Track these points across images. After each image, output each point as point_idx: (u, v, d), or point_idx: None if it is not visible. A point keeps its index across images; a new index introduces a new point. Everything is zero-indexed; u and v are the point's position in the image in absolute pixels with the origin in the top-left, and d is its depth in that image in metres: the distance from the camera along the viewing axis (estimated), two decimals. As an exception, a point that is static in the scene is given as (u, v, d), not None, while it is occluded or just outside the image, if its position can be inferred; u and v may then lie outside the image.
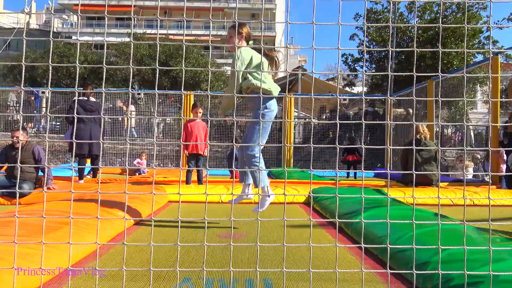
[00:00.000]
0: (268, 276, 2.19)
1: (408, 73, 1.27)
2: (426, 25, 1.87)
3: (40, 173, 5.48)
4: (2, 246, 2.02)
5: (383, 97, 13.04)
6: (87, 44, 30.36)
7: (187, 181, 6.36)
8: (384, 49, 1.35)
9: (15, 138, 5.14)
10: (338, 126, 1.54)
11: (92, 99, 7.06)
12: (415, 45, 1.32)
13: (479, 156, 10.49)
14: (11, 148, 5.33)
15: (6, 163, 5.16)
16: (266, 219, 1.30)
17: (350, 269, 2.39)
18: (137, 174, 9.36)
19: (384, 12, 19.53)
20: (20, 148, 4.99)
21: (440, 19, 1.48)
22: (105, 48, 1.83)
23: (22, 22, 45.85)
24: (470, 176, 8.33)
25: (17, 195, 1.37)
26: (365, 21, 1.23)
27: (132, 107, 13.56)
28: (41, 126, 14.76)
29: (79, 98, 6.81)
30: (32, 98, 13.64)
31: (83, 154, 6.83)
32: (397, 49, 1.21)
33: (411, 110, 11.46)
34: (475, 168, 9.81)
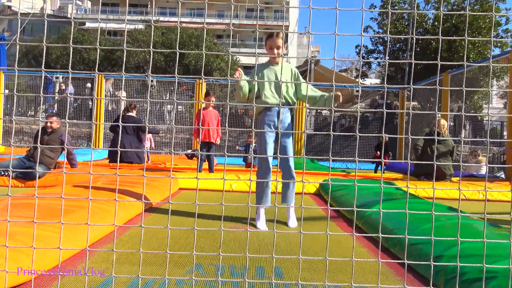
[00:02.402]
0: (279, 264, 2.20)
1: (432, 62, 1.25)
2: (450, 12, 1.83)
3: (62, 158, 5.76)
4: (18, 227, 2.06)
5: (401, 88, 12.89)
6: (101, 30, 30.44)
7: (199, 169, 6.39)
8: (407, 36, 1.33)
9: (48, 123, 5.54)
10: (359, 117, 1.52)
11: (132, 114, 7.70)
12: (440, 33, 1.30)
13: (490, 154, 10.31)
14: (43, 132, 5.64)
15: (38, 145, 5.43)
16: (281, 205, 1.30)
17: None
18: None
19: (399, 3, 19.26)
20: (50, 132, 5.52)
21: (467, 5, 1.45)
22: (125, 33, 1.83)
23: (37, 7, 46.12)
24: (483, 171, 8.22)
25: (37, 175, 1.39)
26: (390, 6, 1.20)
27: (124, 93, 13.58)
28: (54, 111, 14.89)
29: (123, 114, 7.85)
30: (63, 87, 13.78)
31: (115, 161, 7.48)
32: (419, 37, 1.18)
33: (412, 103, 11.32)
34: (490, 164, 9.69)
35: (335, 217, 3.81)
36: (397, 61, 1.32)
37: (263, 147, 3.38)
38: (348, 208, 1.67)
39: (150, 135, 9.94)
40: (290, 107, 3.01)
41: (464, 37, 1.25)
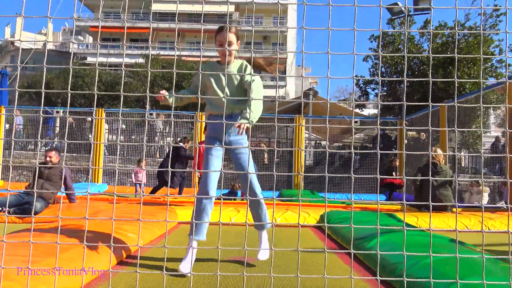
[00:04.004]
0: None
1: (424, 103, 1.27)
2: (440, 55, 1.84)
3: (61, 193, 5.80)
4: (16, 267, 2.02)
5: (395, 120, 12.97)
6: (102, 65, 30.99)
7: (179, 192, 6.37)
8: (398, 79, 1.35)
9: (48, 157, 5.63)
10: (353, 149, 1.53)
11: (183, 145, 8.82)
12: (430, 75, 1.32)
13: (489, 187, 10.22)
14: (43, 166, 5.70)
15: (37, 179, 5.55)
16: (280, 248, 1.29)
17: (363, 297, 2.34)
18: (137, 187, 9.22)
19: (397, 35, 19.54)
20: (49, 167, 5.62)
21: (456, 51, 1.47)
22: (123, 68, 1.86)
23: (39, 43, 46.98)
24: (485, 202, 8.17)
25: (32, 219, 1.38)
26: (380, 50, 1.23)
27: (105, 125, 13.69)
28: (54, 145, 14.94)
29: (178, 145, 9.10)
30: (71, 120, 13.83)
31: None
32: (411, 79, 1.20)
33: (424, 135, 11.35)
34: (491, 194, 9.64)
35: (336, 249, 3.76)
36: (388, 103, 1.34)
37: (203, 165, 2.79)
38: (345, 251, 1.65)
39: (144, 170, 9.92)
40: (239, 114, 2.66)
41: (454, 79, 1.27)
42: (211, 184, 2.69)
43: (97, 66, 1.70)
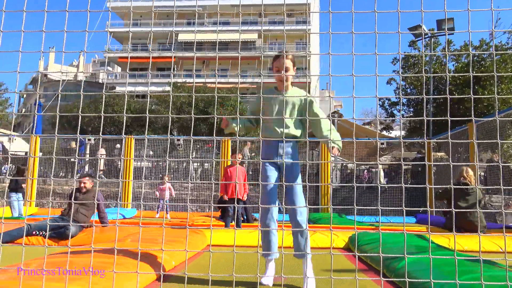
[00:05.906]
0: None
1: (444, 118, 1.31)
2: (456, 74, 1.88)
3: (95, 217, 6.05)
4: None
5: (421, 140, 12.80)
6: (130, 94, 31.96)
7: (226, 225, 6.41)
8: (419, 96, 1.41)
9: (82, 183, 5.87)
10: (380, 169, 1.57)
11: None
12: (447, 92, 1.37)
13: None
14: (78, 191, 5.96)
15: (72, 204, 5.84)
16: (314, 276, 1.33)
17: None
18: (161, 202, 8.90)
19: (421, 56, 19.53)
20: (84, 192, 5.85)
21: (470, 70, 1.52)
22: (148, 97, 1.97)
23: (71, 75, 48.88)
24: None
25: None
26: (400, 72, 1.28)
27: (102, 151, 13.93)
28: (85, 172, 15.35)
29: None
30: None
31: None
32: (432, 96, 1.25)
33: (496, 156, 11.05)
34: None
35: (367, 270, 3.73)
36: (412, 118, 1.39)
37: (262, 187, 2.82)
38: (376, 278, 1.67)
39: (169, 184, 9.84)
40: (293, 141, 2.71)
41: (470, 95, 1.31)
42: (271, 208, 2.82)
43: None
